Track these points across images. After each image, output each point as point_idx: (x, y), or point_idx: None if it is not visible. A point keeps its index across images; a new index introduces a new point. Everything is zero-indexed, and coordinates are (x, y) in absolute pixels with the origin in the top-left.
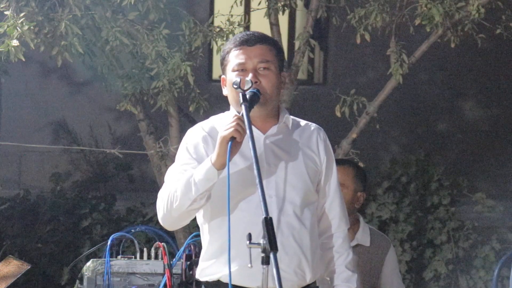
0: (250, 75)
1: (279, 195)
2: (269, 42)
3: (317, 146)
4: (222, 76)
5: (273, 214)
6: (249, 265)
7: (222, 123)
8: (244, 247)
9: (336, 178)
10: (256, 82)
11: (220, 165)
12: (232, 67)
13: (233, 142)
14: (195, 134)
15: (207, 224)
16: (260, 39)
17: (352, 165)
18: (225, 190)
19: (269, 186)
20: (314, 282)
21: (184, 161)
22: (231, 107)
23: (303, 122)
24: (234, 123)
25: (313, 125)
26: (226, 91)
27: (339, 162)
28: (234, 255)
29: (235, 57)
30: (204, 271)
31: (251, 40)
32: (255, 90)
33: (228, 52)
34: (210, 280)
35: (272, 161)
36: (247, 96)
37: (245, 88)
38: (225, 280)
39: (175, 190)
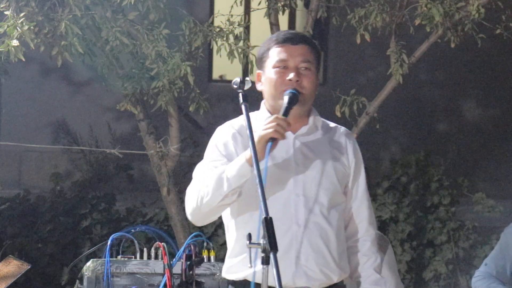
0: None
1: (307, 195)
2: (311, 43)
3: (346, 149)
4: (258, 71)
5: (300, 213)
6: (249, 265)
7: (254, 122)
8: (245, 248)
9: (364, 181)
10: (297, 81)
11: None
12: (273, 63)
13: (273, 143)
14: (225, 132)
15: (234, 220)
16: (303, 38)
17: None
18: (254, 188)
19: (297, 185)
20: (342, 282)
21: (214, 158)
22: (262, 105)
23: (332, 124)
24: (274, 123)
25: (342, 128)
26: (261, 86)
27: None
28: (260, 253)
29: (277, 54)
30: (230, 269)
31: (295, 39)
32: (294, 91)
33: (268, 49)
34: (237, 279)
35: (300, 161)
36: (287, 97)
37: (245, 88)
38: (252, 279)
39: (206, 185)
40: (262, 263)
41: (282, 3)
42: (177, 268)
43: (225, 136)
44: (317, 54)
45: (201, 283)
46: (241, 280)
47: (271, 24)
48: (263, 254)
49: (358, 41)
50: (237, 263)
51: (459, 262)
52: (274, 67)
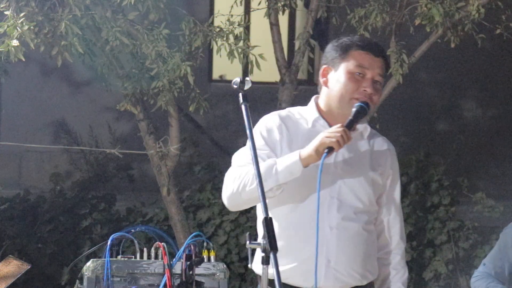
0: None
1: (341, 198)
2: (387, 58)
3: (386, 160)
4: (326, 67)
5: (333, 216)
6: (249, 265)
7: (300, 117)
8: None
9: (399, 195)
10: (371, 94)
11: (307, 164)
12: (351, 67)
13: (329, 152)
14: (271, 121)
15: (272, 212)
16: (383, 51)
17: None
18: (295, 186)
19: (333, 189)
20: (371, 283)
21: (257, 147)
22: (312, 102)
23: (378, 135)
24: (338, 134)
25: (386, 140)
26: (326, 83)
27: None
28: (290, 252)
29: (357, 60)
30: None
31: (377, 50)
32: (364, 105)
33: (347, 49)
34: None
35: (340, 165)
36: (355, 110)
37: (245, 88)
38: (282, 278)
39: (252, 173)
40: (262, 263)
41: (282, 3)
42: (177, 268)
43: (270, 125)
44: (388, 69)
45: (201, 283)
46: (270, 280)
47: (271, 24)
48: (263, 254)
49: None
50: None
51: (459, 262)
52: (351, 71)
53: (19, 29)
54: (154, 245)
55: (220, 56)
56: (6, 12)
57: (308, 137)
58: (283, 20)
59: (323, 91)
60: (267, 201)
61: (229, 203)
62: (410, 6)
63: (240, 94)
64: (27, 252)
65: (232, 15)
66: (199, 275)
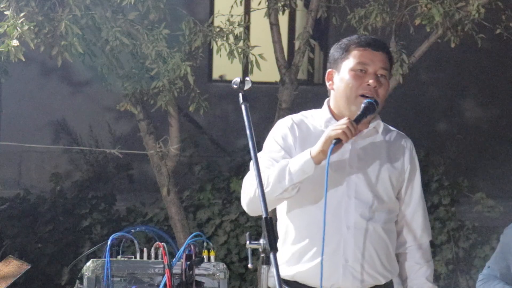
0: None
1: (359, 197)
2: (389, 51)
3: (403, 155)
4: (331, 70)
5: (351, 215)
6: (249, 265)
7: (313, 119)
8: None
9: (420, 188)
10: (375, 87)
11: (319, 161)
12: (352, 65)
13: (337, 144)
14: (284, 125)
15: (286, 214)
16: (383, 46)
17: None
18: (307, 185)
19: (350, 188)
20: (391, 281)
21: (272, 150)
22: (325, 104)
23: (393, 129)
24: (344, 126)
25: (401, 134)
26: (332, 85)
27: None
28: (309, 250)
29: (358, 57)
30: (281, 266)
31: (376, 45)
32: (373, 101)
33: (347, 49)
34: (285, 278)
35: (355, 164)
36: (364, 106)
37: (245, 88)
38: (300, 278)
39: (267, 177)
40: (262, 263)
41: (282, 3)
42: (177, 268)
43: (284, 128)
44: (392, 63)
45: (201, 283)
46: (291, 281)
47: (271, 24)
48: (263, 254)
49: None
50: (287, 261)
51: (459, 262)
52: (352, 69)
53: (19, 29)
54: (154, 245)
55: (220, 56)
56: (6, 12)
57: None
58: (283, 20)
59: (331, 94)
60: (284, 202)
61: (249, 208)
62: (410, 6)
63: (240, 94)
64: (27, 252)
65: (232, 15)
66: (199, 275)
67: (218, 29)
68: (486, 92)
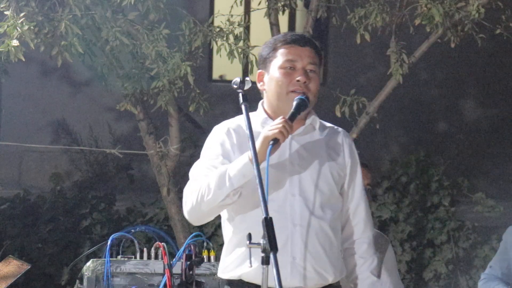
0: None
1: (303, 195)
2: (316, 46)
3: (343, 149)
4: (261, 71)
5: (296, 213)
6: (249, 265)
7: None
8: (245, 248)
9: (361, 182)
10: (305, 83)
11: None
12: (280, 63)
13: (275, 144)
14: (221, 131)
15: (230, 220)
16: (310, 41)
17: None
18: (251, 188)
19: (293, 185)
20: (338, 283)
21: (211, 157)
22: (259, 106)
23: (329, 125)
24: (280, 125)
25: (339, 129)
26: (263, 86)
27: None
28: (255, 252)
29: (284, 55)
30: (226, 269)
31: (302, 41)
32: (304, 98)
33: (275, 49)
34: (232, 278)
35: (296, 162)
36: (296, 102)
37: (245, 88)
38: (247, 278)
39: (207, 184)
40: (262, 263)
41: (282, 3)
42: (177, 268)
43: (221, 135)
44: (321, 57)
45: (201, 283)
46: (237, 280)
47: (271, 24)
48: (263, 254)
49: (358, 41)
50: (232, 262)
51: (459, 262)
52: (281, 67)
53: (19, 29)
54: (154, 245)
55: (220, 56)
56: (6, 12)
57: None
58: (283, 20)
59: (264, 95)
60: (227, 208)
61: (190, 217)
62: (410, 6)
63: (240, 94)
64: (27, 252)
65: (232, 15)
66: (199, 275)
67: (218, 29)
68: (486, 92)
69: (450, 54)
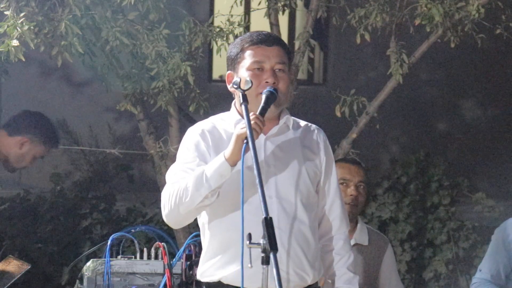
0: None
1: (279, 196)
2: (284, 44)
3: (317, 147)
4: (230, 72)
5: (273, 214)
6: (249, 265)
7: (223, 123)
8: (245, 248)
9: (336, 179)
10: (274, 83)
11: (234, 162)
12: (247, 65)
13: (248, 142)
14: (194, 133)
15: (208, 223)
16: (277, 40)
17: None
18: (228, 190)
19: (269, 187)
20: (316, 283)
21: (186, 160)
22: (232, 106)
23: (303, 123)
24: (252, 121)
25: (313, 126)
26: (232, 87)
27: (354, 162)
28: (234, 255)
29: (252, 56)
30: (206, 272)
31: (269, 41)
32: (272, 90)
33: (242, 50)
34: (211, 281)
35: (271, 162)
36: (264, 96)
37: (245, 88)
38: (226, 281)
39: (185, 186)
40: (262, 263)
41: (282, 3)
42: (177, 268)
43: (195, 136)
44: (290, 55)
45: (201, 283)
46: (216, 282)
47: (271, 24)
48: (263, 254)
49: (358, 41)
50: (211, 266)
51: (459, 262)
52: (249, 69)
53: (19, 29)
54: (154, 245)
55: (220, 56)
56: (6, 12)
57: None
58: (283, 20)
59: (236, 96)
60: (206, 209)
61: (169, 221)
62: (410, 6)
63: (240, 94)
64: (27, 252)
65: (232, 15)
66: None
67: (218, 29)
68: (486, 92)
69: (450, 54)
